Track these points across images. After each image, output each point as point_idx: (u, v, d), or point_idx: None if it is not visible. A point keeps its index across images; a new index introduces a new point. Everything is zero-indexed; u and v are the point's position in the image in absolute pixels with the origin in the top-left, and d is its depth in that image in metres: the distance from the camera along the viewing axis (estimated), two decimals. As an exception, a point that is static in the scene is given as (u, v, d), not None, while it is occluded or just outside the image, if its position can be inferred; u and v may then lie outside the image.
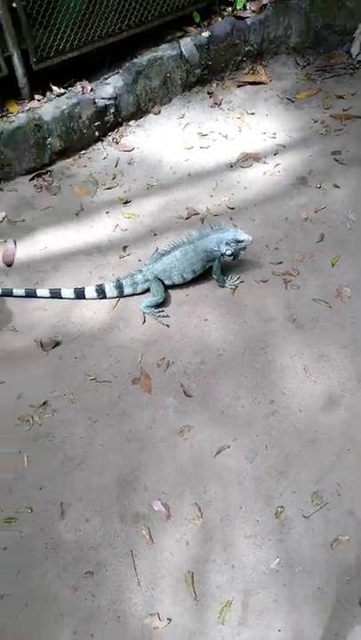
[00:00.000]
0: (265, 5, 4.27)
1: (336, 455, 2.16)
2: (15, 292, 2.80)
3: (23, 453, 2.22)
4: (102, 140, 3.77)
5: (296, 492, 2.07)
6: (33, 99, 3.60)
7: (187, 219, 3.18)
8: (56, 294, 2.78)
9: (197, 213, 3.21)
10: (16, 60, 3.42)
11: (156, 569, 1.91)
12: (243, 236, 2.65)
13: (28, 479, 2.15)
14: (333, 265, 2.87)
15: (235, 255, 2.72)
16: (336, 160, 3.52)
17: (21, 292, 2.80)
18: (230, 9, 4.25)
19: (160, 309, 2.71)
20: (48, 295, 2.78)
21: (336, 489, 2.07)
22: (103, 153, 3.70)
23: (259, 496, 2.07)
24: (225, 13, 4.23)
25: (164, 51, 3.90)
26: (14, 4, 3.20)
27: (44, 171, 3.58)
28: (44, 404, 2.38)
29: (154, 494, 2.09)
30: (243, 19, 4.18)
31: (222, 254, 2.68)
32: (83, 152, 3.71)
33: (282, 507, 2.03)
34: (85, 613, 1.83)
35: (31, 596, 1.87)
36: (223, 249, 2.66)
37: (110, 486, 2.12)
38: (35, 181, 3.52)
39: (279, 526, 1.99)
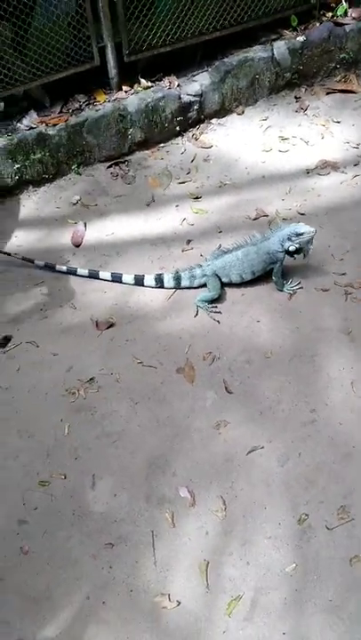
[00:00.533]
0: (367, 13, 4.24)
1: (371, 474, 2.15)
2: (79, 271, 2.98)
3: (65, 423, 2.38)
4: (182, 135, 3.90)
5: (323, 502, 2.09)
6: (120, 89, 3.80)
7: (254, 219, 3.25)
8: (117, 278, 2.93)
9: (266, 215, 3.26)
10: (109, 52, 3.62)
11: (173, 552, 2.00)
12: (303, 227, 2.67)
13: (65, 447, 2.30)
14: None
15: (302, 251, 2.74)
16: None
17: (85, 272, 2.98)
18: (330, 14, 4.26)
19: (214, 305, 2.79)
20: (109, 278, 2.94)
21: (365, 507, 2.07)
22: (181, 148, 3.83)
23: (284, 500, 2.10)
24: (324, 19, 4.24)
25: (256, 52, 3.98)
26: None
27: (122, 160, 3.76)
28: (91, 379, 2.53)
29: (181, 481, 2.18)
30: (342, 25, 4.18)
31: (287, 251, 2.71)
32: (162, 145, 3.86)
33: (306, 514, 2.06)
34: (100, 582, 1.95)
35: (53, 557, 2.01)
36: (287, 245, 2.69)
37: (141, 466, 2.23)
38: (111, 169, 3.71)
39: (300, 533, 2.01)
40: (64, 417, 2.40)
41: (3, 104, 3.52)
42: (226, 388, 2.46)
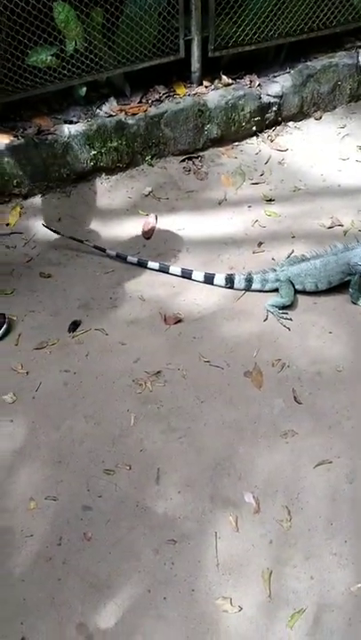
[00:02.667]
0: None
1: None
2: (150, 264, 2.98)
3: (131, 413, 2.39)
4: (258, 136, 3.86)
5: (392, 525, 2.05)
6: (201, 84, 3.78)
7: (329, 228, 3.20)
8: (187, 274, 2.92)
9: (341, 225, 3.21)
10: (195, 45, 3.60)
11: (236, 557, 1.99)
12: None
13: (131, 438, 2.31)
14: None
15: None
16: None
17: (156, 265, 2.98)
18: None
19: (285, 311, 2.76)
20: (179, 274, 2.94)
21: None
22: (256, 148, 3.80)
23: (352, 518, 2.07)
24: None
25: (341, 58, 3.91)
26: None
27: (196, 155, 3.75)
28: (158, 372, 2.53)
29: (246, 485, 2.16)
30: None
31: (366, 269, 2.68)
32: (236, 144, 3.83)
33: (374, 536, 2.03)
34: (162, 577, 1.95)
35: (115, 546, 2.02)
36: None
37: (206, 466, 2.22)
38: (184, 163, 3.70)
39: (367, 554, 1.99)
40: (130, 407, 2.41)
41: (85, 89, 3.53)
42: (295, 398, 2.43)
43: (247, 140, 3.84)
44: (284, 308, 2.78)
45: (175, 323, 2.75)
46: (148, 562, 1.98)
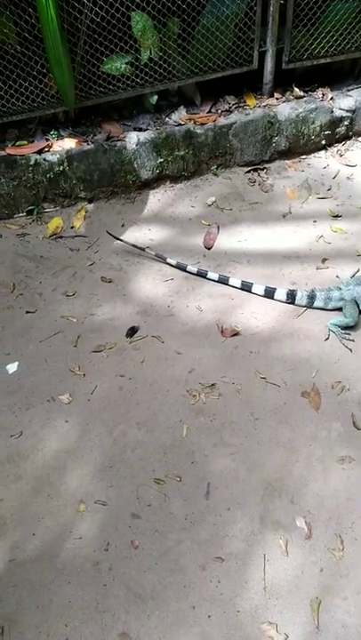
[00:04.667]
0: None
1: None
2: (210, 275, 3.00)
3: (184, 424, 2.40)
4: (326, 150, 3.83)
5: None
6: (272, 96, 3.78)
7: None
8: (247, 287, 2.92)
9: None
10: (269, 57, 3.61)
11: (284, 582, 1.96)
12: None
13: (182, 449, 2.32)
14: None
15: None
16: None
17: (215, 276, 2.99)
18: None
19: (347, 332, 2.71)
20: (239, 286, 2.94)
21: None
22: (324, 162, 3.76)
23: None
24: None
25: None
26: (284, 1, 3.38)
27: (261, 167, 3.75)
28: (212, 385, 2.54)
29: (298, 510, 2.13)
30: None
31: None
32: (304, 157, 3.81)
33: None
34: (207, 595, 1.94)
35: (161, 557, 2.03)
36: None
37: (257, 485, 2.20)
38: (250, 175, 3.71)
39: None
40: (183, 418, 2.42)
41: (156, 97, 3.61)
42: (354, 423, 2.38)
43: (315, 154, 3.81)
44: (347, 328, 2.72)
45: (232, 335, 2.75)
46: (194, 577, 1.98)
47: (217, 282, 2.99)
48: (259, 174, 3.72)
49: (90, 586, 1.97)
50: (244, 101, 3.76)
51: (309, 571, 1.98)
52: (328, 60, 3.70)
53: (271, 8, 3.38)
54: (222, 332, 2.77)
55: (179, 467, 2.26)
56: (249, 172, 3.72)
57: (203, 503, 2.16)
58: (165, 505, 2.16)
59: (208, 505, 2.16)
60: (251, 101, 3.74)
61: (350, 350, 2.65)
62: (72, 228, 3.34)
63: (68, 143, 3.38)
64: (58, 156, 3.29)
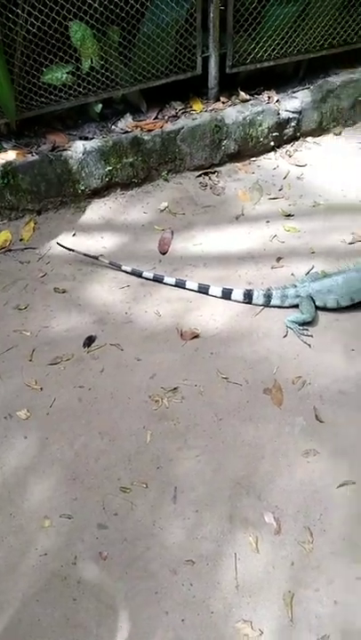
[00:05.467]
0: None
1: None
2: (166, 279, 3.08)
3: (147, 430, 2.45)
4: (275, 151, 4.00)
5: None
6: (218, 100, 3.93)
7: (350, 244, 3.28)
8: (204, 290, 3.01)
9: (363, 241, 3.30)
10: (212, 62, 3.76)
11: (256, 578, 2.01)
12: None
13: (147, 456, 2.36)
14: None
15: None
16: None
17: (172, 280, 3.07)
18: None
19: (305, 328, 2.83)
20: (196, 289, 3.03)
21: None
22: (274, 163, 3.93)
23: (377, 541, 2.09)
24: None
25: (361, 73, 4.06)
26: (223, 7, 3.55)
27: (212, 170, 3.88)
28: (174, 389, 2.60)
29: (266, 505, 2.20)
30: None
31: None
32: (254, 159, 3.96)
33: None
34: (180, 599, 1.98)
35: (131, 565, 2.06)
36: None
37: (224, 485, 2.27)
38: (201, 179, 3.84)
39: (394, 578, 2.00)
40: (146, 424, 2.47)
41: (100, 106, 3.70)
42: (316, 416, 2.48)
43: (265, 156, 3.98)
44: (304, 324, 2.84)
45: (192, 338, 2.82)
46: (165, 582, 2.02)
47: (174, 286, 3.07)
48: (210, 178, 3.85)
49: (59, 602, 1.98)
50: (191, 107, 3.89)
51: (281, 565, 2.05)
52: (271, 63, 3.89)
53: (211, 14, 3.54)
54: (182, 335, 2.85)
55: (144, 473, 2.31)
56: (200, 175, 3.84)
57: (170, 508, 2.21)
58: (132, 513, 2.19)
59: (176, 509, 2.20)
60: (197, 106, 3.88)
61: (309, 346, 2.76)
62: (21, 240, 3.37)
63: (11, 155, 3.42)
64: (1, 168, 3.33)
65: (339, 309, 2.88)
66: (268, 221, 3.50)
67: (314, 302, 2.86)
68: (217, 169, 3.89)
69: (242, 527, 2.15)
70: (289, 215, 3.53)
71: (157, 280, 3.09)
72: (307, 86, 4.01)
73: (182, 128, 3.70)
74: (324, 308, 2.89)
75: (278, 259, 3.26)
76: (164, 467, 2.33)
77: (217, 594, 1.98)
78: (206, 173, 3.87)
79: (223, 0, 3.51)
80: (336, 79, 4.00)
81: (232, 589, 1.99)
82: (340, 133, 4.11)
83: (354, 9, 3.83)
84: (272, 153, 3.99)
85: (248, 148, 3.90)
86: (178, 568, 2.05)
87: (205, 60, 3.75)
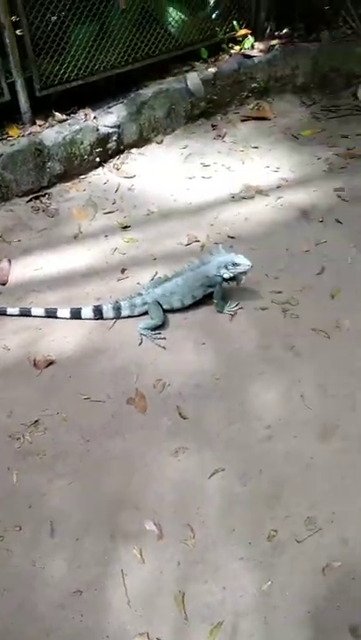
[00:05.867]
0: (272, 46, 4.75)
1: (330, 482, 2.34)
2: (9, 310, 3.02)
3: (12, 471, 2.38)
4: (103, 166, 4.11)
5: (289, 516, 2.24)
6: (35, 124, 3.95)
7: (187, 245, 3.47)
8: (52, 314, 3.00)
9: (198, 241, 3.50)
10: (19, 87, 3.78)
11: (146, 588, 2.05)
12: (240, 259, 2.92)
13: (16, 497, 2.30)
14: (333, 297, 3.13)
15: (235, 279, 2.97)
16: (339, 197, 3.86)
17: (16, 310, 3.02)
18: (238, 47, 4.72)
19: (157, 332, 2.93)
20: (43, 314, 3.01)
21: (330, 515, 2.24)
22: (104, 178, 4.03)
23: (251, 520, 2.23)
24: (232, 51, 4.69)
25: (170, 83, 4.32)
26: (19, 32, 3.59)
27: (43, 193, 3.89)
28: (35, 422, 2.56)
29: (145, 514, 2.24)
30: (250, 57, 4.64)
31: (222, 278, 2.94)
32: (83, 176, 4.03)
33: (275, 530, 2.19)
34: (73, 633, 1.94)
35: (16, 615, 1.99)
36: (222, 272, 2.92)
37: (100, 505, 2.27)
38: (32, 203, 3.83)
39: (271, 550, 2.14)
40: (11, 464, 2.40)
41: None
42: (180, 414, 2.58)
43: (93, 172, 4.07)
44: (156, 328, 2.95)
45: (47, 366, 2.80)
46: (54, 620, 1.97)
47: (19, 316, 3.02)
48: (41, 201, 3.85)
49: None
50: (7, 133, 3.86)
51: (167, 568, 2.10)
52: (80, 82, 3.99)
53: (7, 40, 3.55)
54: (35, 364, 2.81)
55: (16, 516, 2.24)
56: (30, 200, 3.83)
57: (49, 543, 2.17)
58: (10, 560, 2.12)
59: (55, 543, 2.17)
60: (13, 132, 3.86)
61: (164, 348, 2.87)
62: None
63: None
64: None
65: (185, 308, 3.03)
66: (106, 235, 3.58)
67: (161, 306, 2.99)
68: (47, 191, 3.90)
69: (124, 542, 2.17)
70: (126, 227, 3.64)
71: (1, 313, 3.02)
72: (121, 101, 4.18)
73: (1, 155, 3.66)
74: (172, 310, 3.02)
75: (123, 270, 3.34)
76: (37, 503, 2.28)
77: (109, 616, 1.98)
78: (37, 197, 3.86)
79: (20, 25, 3.55)
80: (147, 91, 4.21)
81: (124, 607, 2.01)
82: (161, 142, 4.33)
83: (149, 24, 4.07)
84: (100, 168, 4.09)
85: (74, 167, 3.97)
86: (65, 602, 2.02)
87: (12, 86, 3.75)
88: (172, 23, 4.24)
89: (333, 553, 2.14)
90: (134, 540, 2.17)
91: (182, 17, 4.23)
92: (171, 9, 4.18)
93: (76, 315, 3.00)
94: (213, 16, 4.46)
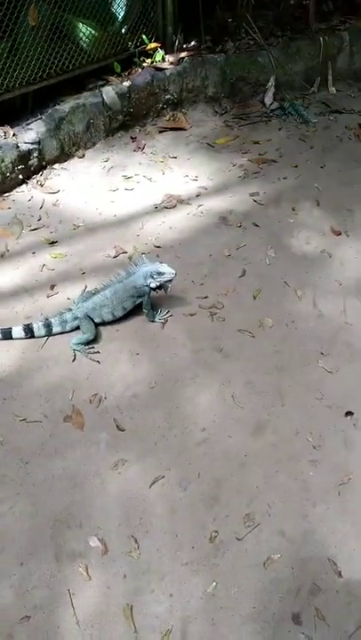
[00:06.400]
0: (182, 59, 4.70)
1: (265, 477, 2.33)
2: None
3: None
4: (27, 183, 3.92)
5: (229, 515, 2.21)
6: None
7: (115, 257, 3.37)
8: (-19, 336, 2.83)
9: (125, 252, 3.41)
10: None
11: (94, 605, 1.96)
12: (164, 268, 2.86)
13: None
14: (255, 297, 3.14)
15: (162, 288, 2.91)
16: (255, 201, 3.87)
17: None
18: (150, 61, 4.65)
19: (90, 346, 2.83)
20: (-28, 339, 2.83)
21: (266, 510, 2.23)
22: (28, 195, 3.85)
23: (193, 523, 2.18)
24: (145, 65, 4.61)
25: (87, 98, 4.18)
26: None
27: (-35, 215, 3.67)
28: (-29, 448, 2.40)
29: (89, 530, 2.15)
30: (162, 70, 4.58)
31: (149, 287, 2.87)
32: (6, 194, 3.84)
33: (216, 531, 2.16)
34: (21, 661, 1.83)
35: None
36: (149, 281, 2.85)
37: (44, 527, 2.16)
38: None
39: (214, 551, 2.11)
40: None
41: None
42: (117, 427, 2.49)
43: (17, 189, 3.88)
44: (89, 343, 2.84)
45: (-20, 390, 2.64)
46: (3, 652, 1.85)
47: None
48: (-35, 222, 3.63)
49: None
50: None
51: (114, 582, 2.02)
52: (-5, 99, 3.79)
53: None
54: (-32, 389, 2.64)
55: None
56: None
57: (-8, 572, 2.03)
58: None
59: (0, 569, 2.04)
60: None
61: (98, 362, 2.77)
62: None
63: None
64: None
65: (117, 320, 2.94)
66: (33, 252, 3.42)
67: (92, 320, 2.88)
68: (-30, 212, 3.69)
69: (69, 561, 2.07)
70: (53, 242, 3.49)
71: None
72: (39, 117, 4.01)
73: None
74: (103, 323, 2.92)
75: (52, 286, 3.20)
76: (-22, 531, 2.14)
77: (59, 639, 1.88)
78: None
79: None
80: (65, 106, 4.06)
81: (74, 627, 1.91)
82: (83, 156, 4.19)
83: (60, 40, 3.92)
84: (24, 185, 3.91)
85: (-3, 186, 3.77)
86: (13, 630, 1.89)
87: None
88: (84, 38, 4.11)
89: (273, 546, 2.13)
90: (80, 558, 2.08)
91: (93, 32, 4.11)
92: (80, 24, 4.04)
93: (6, 335, 2.84)
94: (123, 31, 4.37)
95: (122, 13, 4.32)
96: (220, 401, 2.62)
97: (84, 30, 4.08)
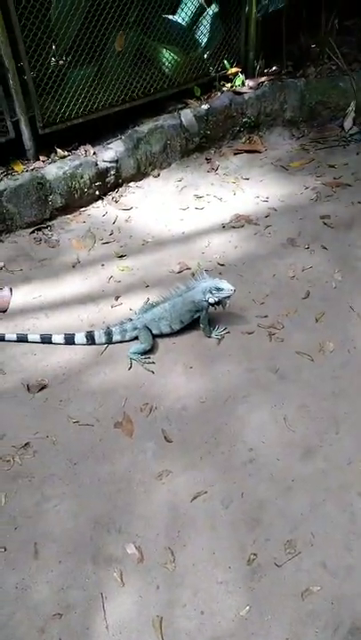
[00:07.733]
0: (262, 83, 4.76)
1: (311, 505, 2.24)
2: (7, 336, 2.99)
3: (1, 493, 2.31)
4: (102, 199, 4.10)
5: (270, 539, 2.14)
6: (38, 159, 3.98)
7: (178, 272, 3.43)
8: (47, 339, 2.96)
9: (189, 268, 3.46)
10: (23, 125, 3.81)
11: (125, 612, 1.96)
12: (223, 284, 2.87)
13: (4, 518, 2.23)
14: (317, 320, 3.06)
15: (220, 304, 2.92)
16: (325, 224, 3.80)
17: (13, 336, 2.99)
18: (230, 85, 4.74)
19: (147, 356, 2.88)
20: (39, 340, 2.97)
21: (310, 539, 2.14)
22: (102, 211, 4.02)
23: (232, 542, 2.13)
24: (224, 89, 4.71)
25: (165, 120, 4.33)
26: (25, 77, 3.64)
27: (45, 225, 3.89)
28: (25, 444, 2.50)
29: (128, 537, 2.16)
30: (241, 94, 4.66)
31: (208, 302, 2.88)
32: (83, 209, 4.03)
33: (255, 554, 2.10)
34: (50, 656, 1.86)
35: (-3, 637, 1.91)
36: (207, 297, 2.87)
37: (85, 528, 2.20)
38: (34, 234, 3.82)
39: (251, 573, 2.04)
40: (0, 486, 2.34)
41: None
42: (165, 438, 2.51)
43: (93, 205, 4.06)
44: (145, 353, 2.89)
45: (40, 390, 2.75)
46: (33, 645, 1.89)
47: (17, 341, 2.99)
48: (43, 232, 3.84)
49: None
50: (12, 168, 3.89)
51: (147, 592, 2.01)
52: (80, 120, 4.02)
53: (11, 81, 3.60)
54: (29, 389, 2.76)
55: (2, 537, 2.17)
56: (33, 232, 3.82)
57: (33, 565, 2.09)
58: (-7, 581, 2.05)
59: (38, 565, 2.09)
60: (18, 167, 3.89)
61: (152, 372, 2.81)
62: None
63: None
64: None
65: (174, 333, 2.98)
66: (103, 264, 3.56)
67: (151, 331, 2.93)
68: (49, 223, 3.90)
69: (105, 565, 2.09)
70: (122, 256, 3.62)
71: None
72: (119, 137, 4.19)
73: (5, 190, 3.68)
74: (161, 335, 2.97)
75: (117, 297, 3.31)
76: (23, 525, 2.21)
77: (87, 640, 1.90)
78: (39, 229, 3.86)
79: (24, 68, 3.59)
80: (144, 127, 4.22)
81: (102, 631, 1.92)
82: (158, 175, 4.33)
83: (144, 65, 4.10)
84: (99, 201, 4.09)
85: (75, 200, 3.97)
86: (45, 625, 1.93)
87: (16, 124, 3.78)
88: (166, 64, 4.27)
89: (313, 577, 2.04)
90: (115, 563, 2.09)
91: (175, 58, 4.26)
92: (164, 50, 4.20)
93: (69, 340, 2.96)
94: (205, 56, 4.49)
95: (205, 40, 4.46)
96: (271, 422, 2.56)
97: (167, 56, 4.24)
